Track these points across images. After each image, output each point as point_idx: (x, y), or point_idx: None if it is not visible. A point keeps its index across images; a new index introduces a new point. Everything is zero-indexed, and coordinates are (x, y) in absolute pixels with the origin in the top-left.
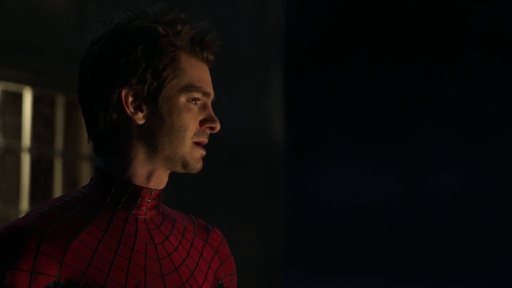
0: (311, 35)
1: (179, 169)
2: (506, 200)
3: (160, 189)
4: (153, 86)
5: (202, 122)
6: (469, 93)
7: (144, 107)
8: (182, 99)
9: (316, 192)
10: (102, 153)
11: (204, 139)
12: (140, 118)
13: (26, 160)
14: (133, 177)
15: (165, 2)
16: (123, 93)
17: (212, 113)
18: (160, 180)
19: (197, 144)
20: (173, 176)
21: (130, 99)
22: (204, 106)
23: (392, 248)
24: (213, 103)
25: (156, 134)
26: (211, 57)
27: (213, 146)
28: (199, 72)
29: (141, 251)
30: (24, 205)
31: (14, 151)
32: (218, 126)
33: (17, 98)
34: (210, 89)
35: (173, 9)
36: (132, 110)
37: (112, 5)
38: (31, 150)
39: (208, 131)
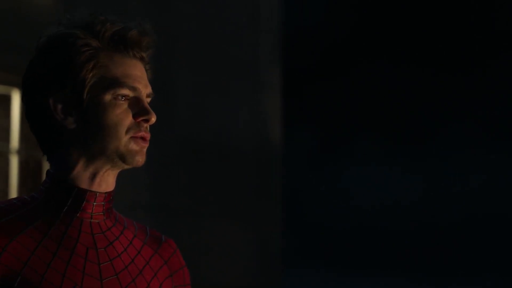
0: (318, 35)
1: (120, 164)
2: None
3: (106, 192)
4: (75, 89)
5: (135, 116)
6: (494, 94)
7: (73, 111)
8: (108, 96)
9: (342, 193)
10: (49, 160)
11: (143, 133)
12: (71, 123)
13: (14, 162)
14: (77, 180)
15: (90, 8)
16: (51, 102)
17: (145, 105)
18: (105, 182)
19: (137, 138)
20: (166, 179)
21: (60, 106)
22: (136, 101)
23: (418, 249)
24: (153, 99)
25: (88, 136)
26: (140, 53)
27: (207, 148)
28: (124, 68)
29: (81, 255)
30: None
31: (2, 153)
32: (152, 118)
33: (6, 100)
34: (138, 84)
35: (94, 13)
36: (62, 116)
37: (100, 7)
38: (20, 152)
39: (145, 124)
